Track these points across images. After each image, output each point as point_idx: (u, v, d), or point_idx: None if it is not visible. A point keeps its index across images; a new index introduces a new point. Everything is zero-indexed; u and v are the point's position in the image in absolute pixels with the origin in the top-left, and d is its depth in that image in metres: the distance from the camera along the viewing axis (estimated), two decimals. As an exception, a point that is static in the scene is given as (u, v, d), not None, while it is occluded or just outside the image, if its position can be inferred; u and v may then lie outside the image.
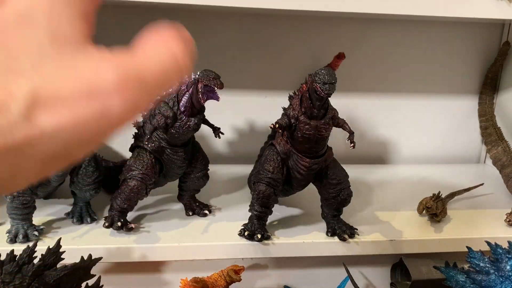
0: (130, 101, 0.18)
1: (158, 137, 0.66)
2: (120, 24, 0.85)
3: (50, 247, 0.52)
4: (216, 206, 0.75)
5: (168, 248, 0.63)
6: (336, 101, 0.66)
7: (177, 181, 0.73)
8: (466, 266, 0.57)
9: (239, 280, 0.78)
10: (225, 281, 0.78)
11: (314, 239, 0.66)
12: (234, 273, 0.78)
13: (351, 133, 0.63)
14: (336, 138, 0.73)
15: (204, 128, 0.68)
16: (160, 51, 0.21)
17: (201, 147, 0.72)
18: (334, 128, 0.64)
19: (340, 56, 0.85)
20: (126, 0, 0.77)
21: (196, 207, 0.73)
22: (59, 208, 0.72)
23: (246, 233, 0.64)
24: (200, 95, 0.61)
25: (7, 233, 0.62)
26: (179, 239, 0.64)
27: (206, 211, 0.72)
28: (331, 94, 0.57)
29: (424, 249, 0.70)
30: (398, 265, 0.91)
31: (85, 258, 0.54)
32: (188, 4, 0.63)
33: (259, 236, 0.63)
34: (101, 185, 0.68)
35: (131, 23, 0.86)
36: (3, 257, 0.49)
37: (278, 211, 0.74)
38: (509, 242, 0.55)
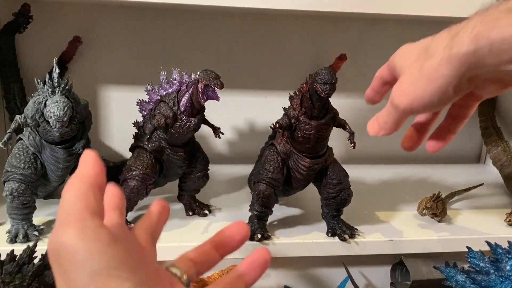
0: None
1: (158, 137, 0.66)
2: (120, 24, 0.85)
3: (50, 247, 0.52)
4: (216, 206, 0.75)
5: (168, 248, 0.63)
6: (337, 101, 0.66)
7: (177, 181, 0.73)
8: (466, 266, 0.57)
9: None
10: (225, 281, 0.78)
11: (314, 239, 0.66)
12: (234, 273, 0.78)
13: (352, 134, 0.63)
14: (336, 139, 0.73)
15: (204, 128, 0.68)
16: None
17: (201, 147, 0.72)
18: (334, 128, 0.64)
19: (341, 58, 0.85)
20: (126, 0, 0.77)
21: (196, 207, 0.73)
22: (59, 208, 0.72)
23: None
24: (200, 95, 0.61)
25: (7, 233, 0.62)
26: (179, 239, 0.64)
27: (206, 211, 0.72)
28: (331, 94, 0.57)
29: (424, 249, 0.70)
30: (398, 265, 0.91)
31: (85, 258, 0.54)
32: (188, 4, 0.63)
33: (259, 236, 0.63)
34: (101, 185, 0.68)
35: (131, 23, 0.86)
36: (3, 257, 0.49)
37: (278, 211, 0.74)
38: (509, 242, 0.55)
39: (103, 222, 0.25)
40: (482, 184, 0.87)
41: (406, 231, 0.70)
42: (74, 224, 0.23)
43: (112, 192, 0.31)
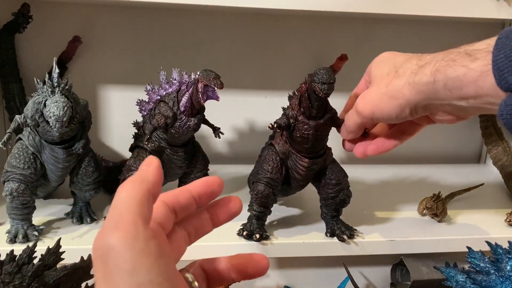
0: None
1: (158, 137, 0.66)
2: (120, 24, 0.85)
3: (50, 247, 0.52)
4: (216, 206, 0.75)
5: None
6: (337, 101, 0.66)
7: (177, 181, 0.73)
8: (466, 266, 0.57)
9: (239, 280, 0.78)
10: (225, 281, 0.78)
11: (313, 239, 0.66)
12: (234, 273, 0.78)
13: None
14: (336, 139, 0.73)
15: (204, 128, 0.68)
16: None
17: (201, 147, 0.72)
18: (333, 128, 0.64)
19: (342, 58, 0.85)
20: (126, 0, 0.77)
21: (196, 207, 0.72)
22: (59, 208, 0.72)
23: (244, 233, 0.64)
24: (200, 95, 0.61)
25: (6, 233, 0.62)
26: (179, 239, 0.64)
27: (206, 211, 0.72)
28: (329, 94, 0.57)
29: (424, 249, 0.70)
30: (398, 265, 0.91)
31: (85, 258, 0.54)
32: (188, 4, 0.63)
33: (257, 236, 0.63)
34: (101, 185, 0.68)
35: (131, 23, 0.86)
36: (2, 257, 0.49)
37: (278, 211, 0.74)
38: (509, 242, 0.55)
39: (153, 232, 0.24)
40: (482, 184, 0.87)
41: (406, 231, 0.70)
42: (126, 228, 0.23)
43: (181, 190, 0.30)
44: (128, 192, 0.24)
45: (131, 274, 0.22)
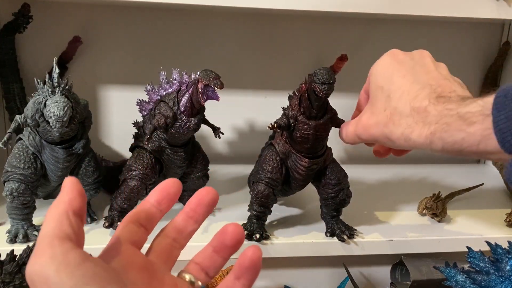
0: None
1: (158, 137, 0.66)
2: (120, 24, 0.85)
3: (50, 247, 0.52)
4: (216, 206, 0.75)
5: (168, 248, 0.62)
6: (337, 101, 0.66)
7: (177, 181, 0.73)
8: (466, 266, 0.57)
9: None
10: (225, 281, 0.78)
11: (313, 239, 0.66)
12: (234, 273, 0.78)
13: None
14: (336, 139, 0.73)
15: (204, 128, 0.68)
16: None
17: (201, 147, 0.72)
18: (333, 128, 0.64)
19: (342, 58, 0.85)
20: (126, 0, 0.77)
21: (196, 207, 0.72)
22: (59, 208, 0.72)
23: (245, 233, 0.64)
24: (200, 95, 0.61)
25: (7, 233, 0.62)
26: (179, 239, 0.64)
27: (206, 211, 0.72)
28: (329, 94, 0.57)
29: (424, 249, 0.70)
30: (398, 265, 0.91)
31: (85, 258, 0.54)
32: (188, 4, 0.63)
33: (257, 236, 0.63)
34: (101, 185, 0.68)
35: (131, 23, 0.86)
36: (3, 257, 0.49)
37: (278, 211, 0.74)
38: (509, 242, 0.55)
39: (75, 244, 0.26)
40: (482, 184, 0.87)
41: (406, 231, 0.70)
42: (44, 252, 0.25)
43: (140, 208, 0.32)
44: (46, 218, 0.26)
45: (56, 286, 0.24)
